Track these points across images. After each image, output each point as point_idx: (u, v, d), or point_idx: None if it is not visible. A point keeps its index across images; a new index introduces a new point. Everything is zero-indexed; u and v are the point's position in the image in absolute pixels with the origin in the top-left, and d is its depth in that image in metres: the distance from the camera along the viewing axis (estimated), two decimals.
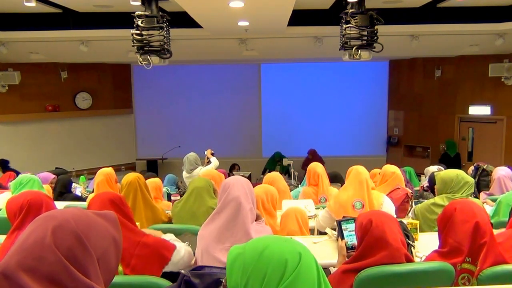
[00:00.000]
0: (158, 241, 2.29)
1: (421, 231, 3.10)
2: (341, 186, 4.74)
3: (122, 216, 2.24)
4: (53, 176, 4.90)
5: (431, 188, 4.37)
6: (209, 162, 5.78)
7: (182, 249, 2.35)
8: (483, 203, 4.00)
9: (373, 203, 3.18)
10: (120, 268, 2.16)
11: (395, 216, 3.16)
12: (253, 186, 2.68)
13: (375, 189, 3.41)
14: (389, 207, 3.23)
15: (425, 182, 5.64)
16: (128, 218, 2.29)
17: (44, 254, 0.91)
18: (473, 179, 3.32)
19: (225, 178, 2.83)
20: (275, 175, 4.37)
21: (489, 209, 3.65)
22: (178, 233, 2.82)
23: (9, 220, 2.35)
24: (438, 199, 3.19)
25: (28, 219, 2.23)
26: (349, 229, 2.57)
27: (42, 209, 2.28)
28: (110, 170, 4.24)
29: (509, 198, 3.46)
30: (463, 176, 3.20)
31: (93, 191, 4.64)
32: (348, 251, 2.44)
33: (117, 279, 2.08)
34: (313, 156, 9.24)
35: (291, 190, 5.01)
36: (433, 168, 5.60)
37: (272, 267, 0.98)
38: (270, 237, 1.08)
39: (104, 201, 2.25)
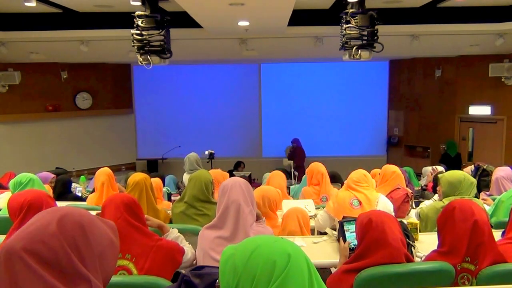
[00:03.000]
0: (171, 245, 2.31)
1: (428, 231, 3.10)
2: (341, 186, 4.76)
3: (136, 220, 2.24)
4: (53, 175, 4.91)
5: (435, 188, 4.35)
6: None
7: (189, 252, 2.39)
8: (483, 200, 3.99)
9: (369, 199, 3.20)
10: (134, 271, 2.17)
11: (393, 213, 3.18)
12: (252, 186, 2.69)
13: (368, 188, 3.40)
14: (385, 204, 3.24)
15: (423, 181, 5.65)
16: (142, 222, 2.29)
17: (48, 239, 0.93)
18: (474, 179, 3.31)
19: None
20: (275, 172, 4.44)
21: (487, 208, 3.64)
22: (179, 232, 2.83)
23: (11, 219, 2.34)
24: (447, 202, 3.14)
25: (27, 219, 2.22)
26: (351, 230, 2.56)
27: (42, 210, 2.27)
28: (109, 169, 4.34)
29: (510, 197, 3.44)
30: (469, 177, 3.19)
31: (93, 191, 4.64)
32: (350, 252, 2.43)
33: (117, 279, 2.09)
34: (296, 144, 9.27)
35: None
36: (429, 168, 5.61)
37: (261, 269, 0.98)
38: (261, 238, 1.07)
39: (118, 205, 2.22)
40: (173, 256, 2.27)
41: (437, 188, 3.38)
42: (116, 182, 4.49)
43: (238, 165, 8.92)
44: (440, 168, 5.37)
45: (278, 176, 4.36)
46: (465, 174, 3.22)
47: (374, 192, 3.33)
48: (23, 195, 2.35)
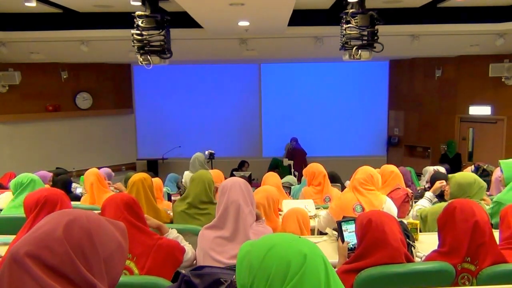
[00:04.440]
0: (172, 243, 2.31)
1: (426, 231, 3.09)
2: (341, 186, 4.75)
3: (137, 220, 2.24)
4: (51, 174, 4.94)
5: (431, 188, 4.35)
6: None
7: (189, 251, 2.40)
8: (483, 200, 3.98)
9: (374, 206, 3.13)
10: (136, 270, 2.17)
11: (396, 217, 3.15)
12: (252, 186, 2.69)
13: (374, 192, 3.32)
14: (390, 209, 3.18)
15: (424, 181, 5.64)
16: (142, 221, 2.29)
17: (53, 245, 0.93)
18: (485, 183, 3.26)
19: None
20: (269, 174, 4.53)
21: (486, 207, 3.63)
22: (179, 232, 2.84)
23: (25, 216, 2.36)
24: None
25: (41, 215, 2.23)
26: (349, 230, 2.56)
27: (57, 206, 2.29)
28: (96, 169, 4.42)
29: (507, 198, 3.43)
30: (479, 181, 3.14)
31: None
32: (349, 252, 2.43)
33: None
34: (295, 145, 9.30)
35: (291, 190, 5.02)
36: (429, 168, 5.61)
37: (276, 269, 0.98)
38: (278, 237, 1.06)
39: (119, 204, 2.22)
40: (173, 254, 2.27)
41: (445, 188, 3.31)
42: (117, 182, 4.50)
43: (243, 165, 8.91)
44: (442, 168, 5.36)
45: (272, 176, 4.42)
46: (476, 177, 3.16)
47: (380, 196, 3.24)
48: (39, 192, 2.39)
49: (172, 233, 2.50)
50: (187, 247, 2.42)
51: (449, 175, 3.30)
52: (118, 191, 4.59)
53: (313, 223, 3.43)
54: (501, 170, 3.97)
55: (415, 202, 3.85)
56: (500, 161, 4.02)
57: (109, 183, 4.72)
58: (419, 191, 5.23)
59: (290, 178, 5.76)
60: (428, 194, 3.56)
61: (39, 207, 2.28)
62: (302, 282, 0.96)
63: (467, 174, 3.23)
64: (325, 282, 0.98)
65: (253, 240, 1.07)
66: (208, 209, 3.26)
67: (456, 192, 3.10)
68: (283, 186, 4.89)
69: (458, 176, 3.22)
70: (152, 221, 2.49)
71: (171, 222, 3.42)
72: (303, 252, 0.99)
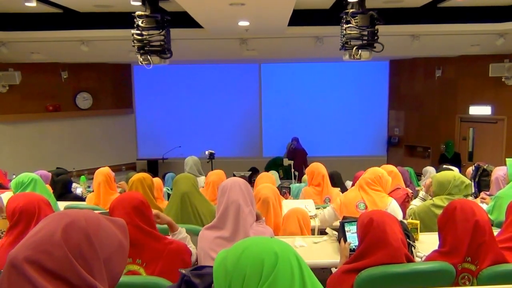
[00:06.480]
0: (181, 248, 2.29)
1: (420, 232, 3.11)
2: (341, 189, 4.75)
3: (147, 224, 2.19)
4: (50, 174, 4.94)
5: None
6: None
7: (194, 253, 2.40)
8: (482, 199, 4.00)
9: (377, 206, 3.14)
10: (145, 276, 2.16)
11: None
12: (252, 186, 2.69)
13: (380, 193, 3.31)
14: (394, 211, 3.15)
15: (423, 181, 5.65)
16: (151, 224, 2.24)
17: (52, 249, 0.93)
18: (469, 180, 3.33)
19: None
20: (263, 174, 4.59)
21: (485, 207, 3.65)
22: None
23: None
24: (437, 200, 3.18)
25: (19, 225, 2.16)
26: (352, 230, 2.57)
27: (34, 217, 2.18)
28: (107, 169, 4.34)
29: (507, 193, 3.44)
30: (460, 177, 3.21)
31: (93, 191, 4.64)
32: (351, 252, 2.43)
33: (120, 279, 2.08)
34: (296, 145, 9.31)
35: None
36: (430, 168, 5.62)
37: (250, 269, 1.00)
38: (251, 239, 1.09)
39: (128, 210, 2.16)
40: (183, 259, 2.26)
41: (423, 184, 3.48)
42: (121, 182, 4.49)
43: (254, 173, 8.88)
44: (454, 168, 5.35)
45: (266, 176, 4.46)
46: (457, 174, 3.25)
47: (385, 198, 3.23)
48: (17, 200, 2.27)
49: (182, 232, 2.50)
50: (192, 248, 2.43)
51: (432, 175, 3.40)
52: (121, 190, 4.60)
53: (313, 223, 3.44)
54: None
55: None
56: (507, 159, 4.11)
57: None
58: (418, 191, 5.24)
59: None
60: (421, 194, 3.64)
61: (15, 218, 2.17)
62: (276, 279, 0.98)
63: (447, 172, 3.32)
64: (300, 278, 1.00)
65: (227, 248, 1.09)
66: (200, 208, 3.33)
67: (437, 190, 3.19)
68: (282, 187, 4.90)
69: (438, 175, 3.34)
70: (163, 217, 2.47)
71: None
72: (274, 250, 1.02)
